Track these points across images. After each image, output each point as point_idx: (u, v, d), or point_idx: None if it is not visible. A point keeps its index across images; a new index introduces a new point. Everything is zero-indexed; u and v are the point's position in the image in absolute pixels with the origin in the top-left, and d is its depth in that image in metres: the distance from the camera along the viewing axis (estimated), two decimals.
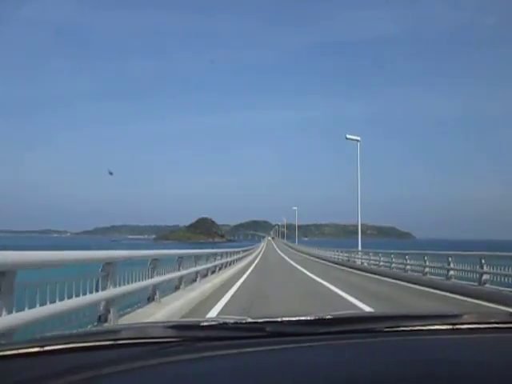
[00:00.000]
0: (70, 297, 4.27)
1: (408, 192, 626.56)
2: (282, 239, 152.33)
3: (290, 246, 79.88)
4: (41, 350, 0.92)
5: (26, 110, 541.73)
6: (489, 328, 1.15)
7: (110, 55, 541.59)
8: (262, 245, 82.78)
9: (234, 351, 0.93)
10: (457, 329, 1.12)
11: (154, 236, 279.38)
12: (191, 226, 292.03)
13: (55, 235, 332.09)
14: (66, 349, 0.94)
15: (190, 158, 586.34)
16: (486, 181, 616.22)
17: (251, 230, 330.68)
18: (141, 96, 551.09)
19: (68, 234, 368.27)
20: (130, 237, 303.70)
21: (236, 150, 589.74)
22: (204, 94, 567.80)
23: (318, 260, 33.77)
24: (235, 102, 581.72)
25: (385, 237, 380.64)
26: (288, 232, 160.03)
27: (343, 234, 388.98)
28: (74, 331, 1.73)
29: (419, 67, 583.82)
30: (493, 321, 1.19)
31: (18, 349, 0.93)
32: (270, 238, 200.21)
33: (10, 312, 3.30)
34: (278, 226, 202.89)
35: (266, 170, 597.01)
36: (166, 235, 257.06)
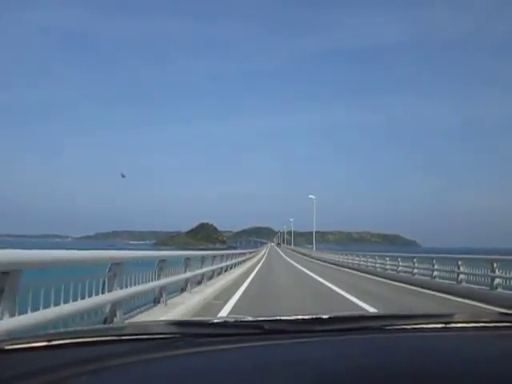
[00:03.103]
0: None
1: (413, 200, 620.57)
2: (289, 245, 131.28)
3: (314, 257, 45.25)
4: (48, 344, 0.96)
5: (29, 114, 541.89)
6: (479, 327, 1.19)
7: (111, 61, 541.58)
8: (264, 251, 61.80)
9: (234, 346, 0.96)
10: (448, 327, 1.17)
11: (154, 241, 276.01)
12: (191, 231, 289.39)
13: (57, 240, 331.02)
14: (72, 343, 0.99)
15: (194, 164, 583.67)
16: (494, 189, 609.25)
17: (254, 237, 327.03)
18: (141, 102, 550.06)
19: (69, 239, 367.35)
20: (131, 242, 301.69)
21: (240, 157, 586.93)
22: (208, 100, 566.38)
23: None
24: (239, 107, 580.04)
25: (390, 245, 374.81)
26: (290, 238, 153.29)
27: (347, 242, 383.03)
28: (80, 328, 2.40)
29: (424, 74, 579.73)
30: (483, 320, 1.24)
31: (26, 343, 0.97)
32: (273, 243, 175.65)
33: (12, 315, 3.17)
34: (284, 232, 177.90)
35: (270, 177, 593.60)
36: (166, 241, 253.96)
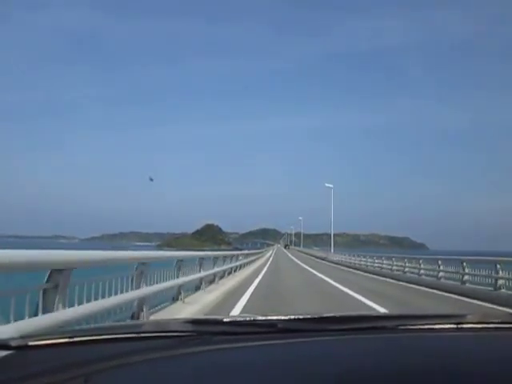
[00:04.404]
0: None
1: (422, 202, 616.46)
2: (296, 247, 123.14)
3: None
4: (70, 340, 1.01)
5: (34, 114, 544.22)
6: (491, 327, 1.22)
7: (113, 61, 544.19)
8: (269, 254, 53.42)
9: (250, 344, 0.99)
10: (461, 328, 1.18)
11: (158, 243, 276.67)
12: (196, 232, 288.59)
13: (63, 241, 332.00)
14: (93, 340, 1.02)
15: (201, 166, 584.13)
16: (505, 191, 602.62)
17: (260, 238, 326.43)
18: (148, 103, 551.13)
19: (76, 241, 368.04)
20: (136, 243, 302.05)
21: (247, 158, 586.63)
22: (214, 101, 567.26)
23: None
24: (245, 109, 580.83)
25: (398, 247, 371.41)
26: (297, 240, 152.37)
27: (355, 244, 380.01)
28: (101, 325, 2.70)
29: (431, 78, 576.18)
30: (494, 321, 1.27)
31: (48, 339, 1.01)
32: (279, 245, 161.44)
33: (64, 307, 3.62)
34: (292, 233, 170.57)
35: (276, 178, 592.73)
36: (170, 242, 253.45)
